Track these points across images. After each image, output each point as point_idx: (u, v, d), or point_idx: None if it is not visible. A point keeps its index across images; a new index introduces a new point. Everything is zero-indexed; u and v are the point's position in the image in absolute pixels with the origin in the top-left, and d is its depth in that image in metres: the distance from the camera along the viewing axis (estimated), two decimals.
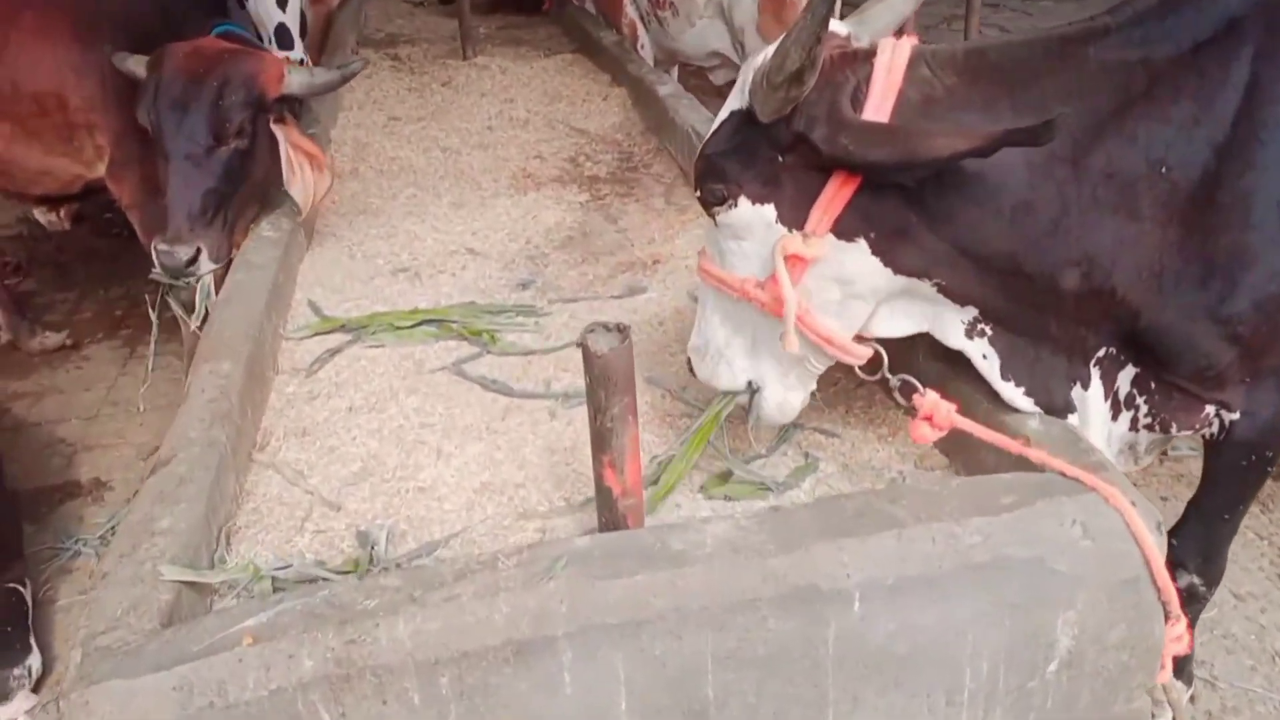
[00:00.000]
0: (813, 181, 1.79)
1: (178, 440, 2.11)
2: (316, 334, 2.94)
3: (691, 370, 2.21)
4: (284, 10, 4.24)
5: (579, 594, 1.54)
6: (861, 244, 1.82)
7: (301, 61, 4.25)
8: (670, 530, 1.67)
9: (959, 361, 2.04)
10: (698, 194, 1.96)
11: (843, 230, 1.81)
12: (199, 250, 3.00)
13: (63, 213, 4.26)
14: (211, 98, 3.03)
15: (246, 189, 3.19)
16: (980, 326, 1.93)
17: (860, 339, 1.98)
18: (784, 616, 1.56)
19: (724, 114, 1.91)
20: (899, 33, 1.94)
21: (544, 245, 3.62)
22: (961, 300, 1.90)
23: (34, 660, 2.57)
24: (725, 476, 2.22)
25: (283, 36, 4.25)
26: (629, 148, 4.58)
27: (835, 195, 1.77)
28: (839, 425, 2.39)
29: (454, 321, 2.96)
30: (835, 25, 1.92)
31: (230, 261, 3.09)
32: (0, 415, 3.92)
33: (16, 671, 2.52)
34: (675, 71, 5.81)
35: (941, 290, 1.87)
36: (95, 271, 5.06)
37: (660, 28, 5.46)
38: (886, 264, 1.83)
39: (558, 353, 2.80)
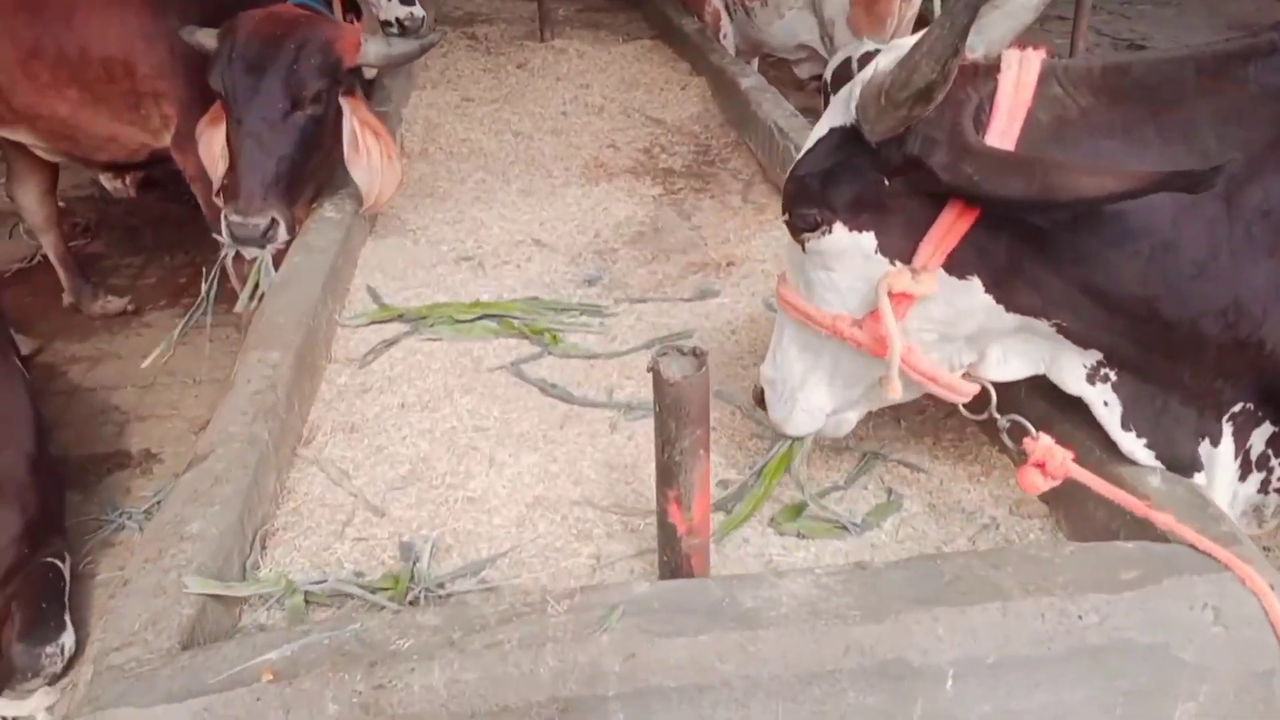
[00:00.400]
0: (923, 210, 1.59)
1: (217, 435, 1.99)
2: (373, 322, 2.81)
3: (762, 404, 2.02)
4: None
5: (636, 651, 1.37)
6: (975, 282, 1.62)
7: (422, 20, 4.10)
8: (741, 584, 1.49)
9: (1066, 400, 1.83)
10: (785, 218, 1.77)
11: (955, 266, 1.61)
12: (274, 220, 2.88)
13: (128, 180, 4.22)
14: (288, 62, 2.90)
15: (319, 160, 3.07)
16: (1104, 371, 1.72)
17: (967, 377, 1.79)
18: (866, 691, 1.38)
19: (821, 130, 1.71)
20: (1021, 44, 1.73)
21: (613, 240, 3.45)
22: (1084, 343, 1.69)
23: (68, 638, 2.50)
24: (798, 508, 2.03)
25: None
26: (706, 140, 4.39)
27: (950, 228, 1.57)
28: (926, 459, 2.19)
29: (515, 317, 2.81)
30: None
31: (289, 241, 2.98)
32: (56, 379, 3.88)
33: (49, 649, 2.45)
34: (756, 62, 5.60)
35: (1062, 331, 1.66)
36: (163, 237, 5.03)
37: (747, 18, 5.25)
38: (1001, 302, 1.63)
39: (622, 358, 2.63)
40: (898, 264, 1.64)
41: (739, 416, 2.36)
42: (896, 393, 1.66)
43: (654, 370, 1.56)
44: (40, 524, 2.55)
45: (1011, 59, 1.58)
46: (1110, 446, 1.82)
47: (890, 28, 4.75)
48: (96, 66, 3.37)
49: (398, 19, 4.16)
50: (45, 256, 4.37)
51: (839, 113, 1.67)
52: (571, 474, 2.15)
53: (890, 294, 1.61)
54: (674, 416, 1.54)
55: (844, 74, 4.14)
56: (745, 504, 1.95)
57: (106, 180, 4.56)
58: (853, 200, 1.64)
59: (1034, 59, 1.59)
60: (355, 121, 3.13)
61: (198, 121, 3.35)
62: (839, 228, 1.66)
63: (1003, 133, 1.52)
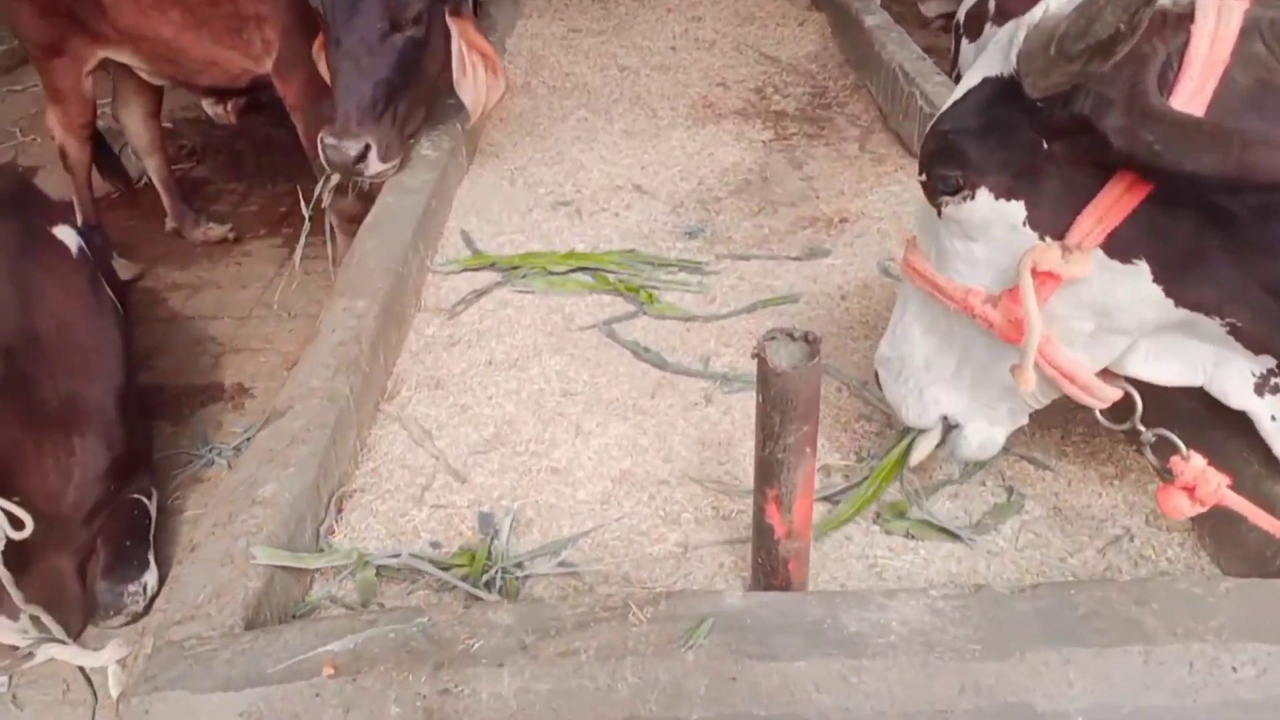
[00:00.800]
0: (1085, 180, 1.38)
1: (297, 389, 1.91)
2: (465, 269, 2.70)
3: (878, 383, 1.84)
4: None
5: (724, 673, 1.24)
6: (1141, 267, 1.40)
7: None
8: (845, 603, 1.34)
9: (1217, 404, 1.61)
10: (923, 177, 1.56)
11: (1117, 247, 1.39)
12: (368, 146, 2.77)
13: (229, 106, 4.18)
14: None
15: (419, 84, 2.95)
16: (1275, 381, 1.49)
17: (1107, 374, 1.57)
18: None
19: (971, 79, 1.50)
20: None
21: (718, 188, 3.27)
22: (1257, 347, 1.46)
23: (150, 577, 2.50)
24: (907, 504, 1.86)
25: None
26: (823, 81, 4.12)
27: (1116, 202, 1.36)
28: (1052, 456, 1.98)
29: (610, 271, 2.67)
30: None
31: (393, 169, 2.88)
32: (156, 305, 3.91)
33: (131, 588, 2.46)
34: None
35: (1234, 333, 1.43)
36: (266, 164, 5.02)
37: None
38: (1170, 295, 1.41)
39: (721, 321, 2.47)
40: (1047, 239, 1.43)
41: (845, 394, 2.19)
42: (1029, 384, 1.46)
43: (759, 357, 1.40)
44: (127, 460, 2.54)
45: (1209, 6, 1.34)
46: (1271, 463, 1.60)
47: None
48: None
49: None
50: (149, 179, 4.38)
51: (996, 60, 1.45)
52: (661, 449, 2.02)
53: (1034, 272, 1.40)
54: (779, 410, 1.38)
55: (980, 13, 3.81)
56: (850, 504, 1.79)
57: (209, 105, 4.54)
58: (1003, 163, 1.43)
59: (1236, 8, 1.34)
60: (462, 44, 3.00)
61: (299, 47, 3.26)
62: (984, 194, 1.46)
63: (1192, 95, 1.29)
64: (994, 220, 1.48)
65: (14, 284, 2.39)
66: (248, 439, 3.05)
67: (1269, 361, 1.48)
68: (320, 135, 2.80)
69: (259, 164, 4.99)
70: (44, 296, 2.46)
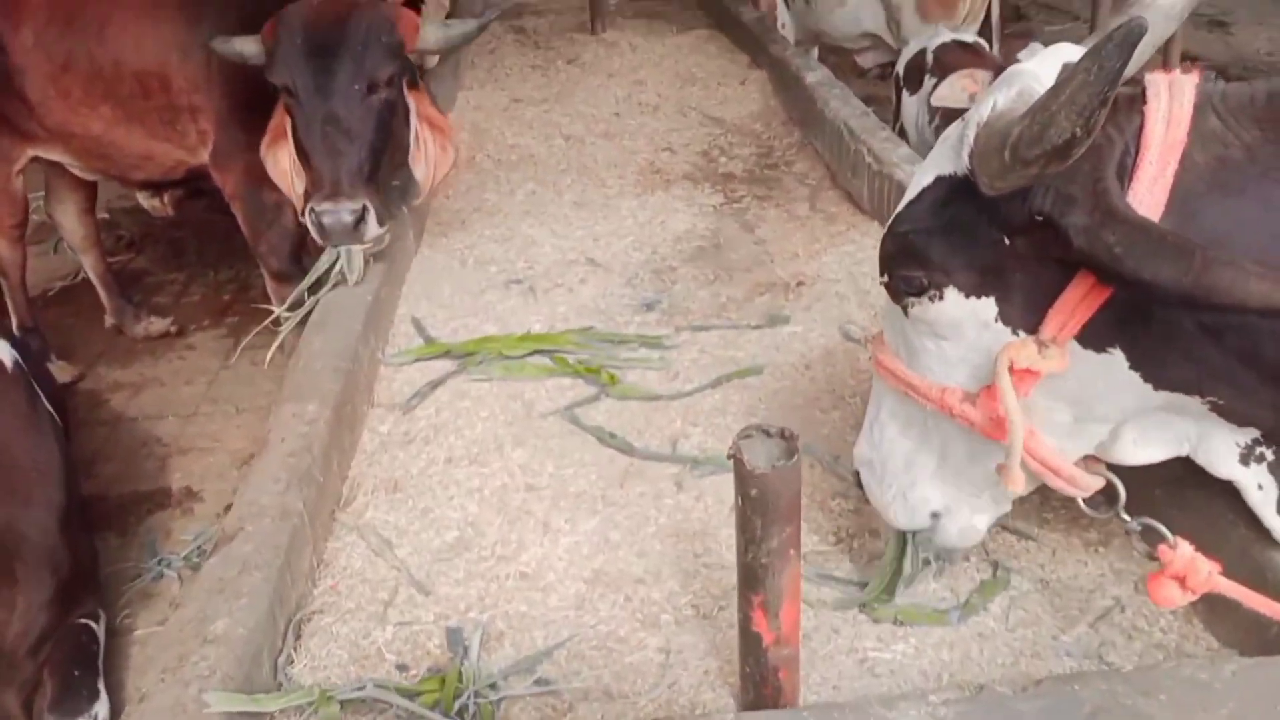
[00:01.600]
0: (1052, 274, 1.34)
1: (246, 508, 1.81)
2: (418, 359, 2.62)
3: (859, 483, 1.76)
4: None
5: None
6: (1116, 355, 1.36)
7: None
8: (845, 716, 1.26)
9: (1194, 469, 1.57)
10: (885, 279, 1.51)
11: (1091, 338, 1.35)
12: (365, 208, 2.63)
13: (166, 198, 4.08)
14: (357, 44, 2.69)
15: (395, 149, 2.85)
16: (1260, 451, 1.46)
17: (1091, 460, 1.53)
18: None
19: (924, 178, 1.46)
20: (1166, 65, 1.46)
21: (672, 257, 3.23)
22: (1240, 420, 1.42)
23: (101, 708, 2.34)
24: (892, 584, 1.80)
25: None
26: (769, 140, 4.13)
27: (1086, 295, 1.32)
28: (1034, 524, 1.94)
29: (569, 353, 2.61)
30: (1072, 50, 1.44)
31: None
32: (98, 408, 3.75)
33: None
34: (815, 52, 5.32)
35: (1216, 409, 1.40)
36: (207, 251, 4.89)
37: (806, 6, 4.97)
38: (1148, 380, 1.37)
39: (686, 399, 2.42)
40: (1021, 334, 1.39)
41: (819, 471, 2.13)
42: (1018, 486, 1.42)
43: (735, 458, 1.34)
44: (73, 583, 2.40)
45: (1159, 85, 1.32)
46: (1258, 528, 1.56)
47: (962, 13, 4.44)
48: (130, 81, 3.20)
49: None
50: (87, 275, 4.25)
51: (946, 159, 1.41)
52: (634, 543, 1.94)
53: (1011, 369, 1.36)
54: (760, 513, 1.32)
55: (919, 64, 3.86)
56: (838, 606, 1.72)
57: (144, 199, 4.42)
58: (968, 261, 1.39)
59: (1186, 85, 1.32)
60: (417, 117, 2.94)
61: (236, 136, 3.18)
62: (952, 292, 1.42)
63: (1153, 181, 1.26)
64: (964, 318, 1.43)
65: None
66: (198, 547, 2.92)
67: (1253, 432, 1.45)
68: (309, 207, 2.65)
69: (200, 252, 4.86)
70: None
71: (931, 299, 1.43)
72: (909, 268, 1.44)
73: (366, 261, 2.78)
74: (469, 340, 2.69)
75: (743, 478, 1.32)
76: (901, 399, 1.60)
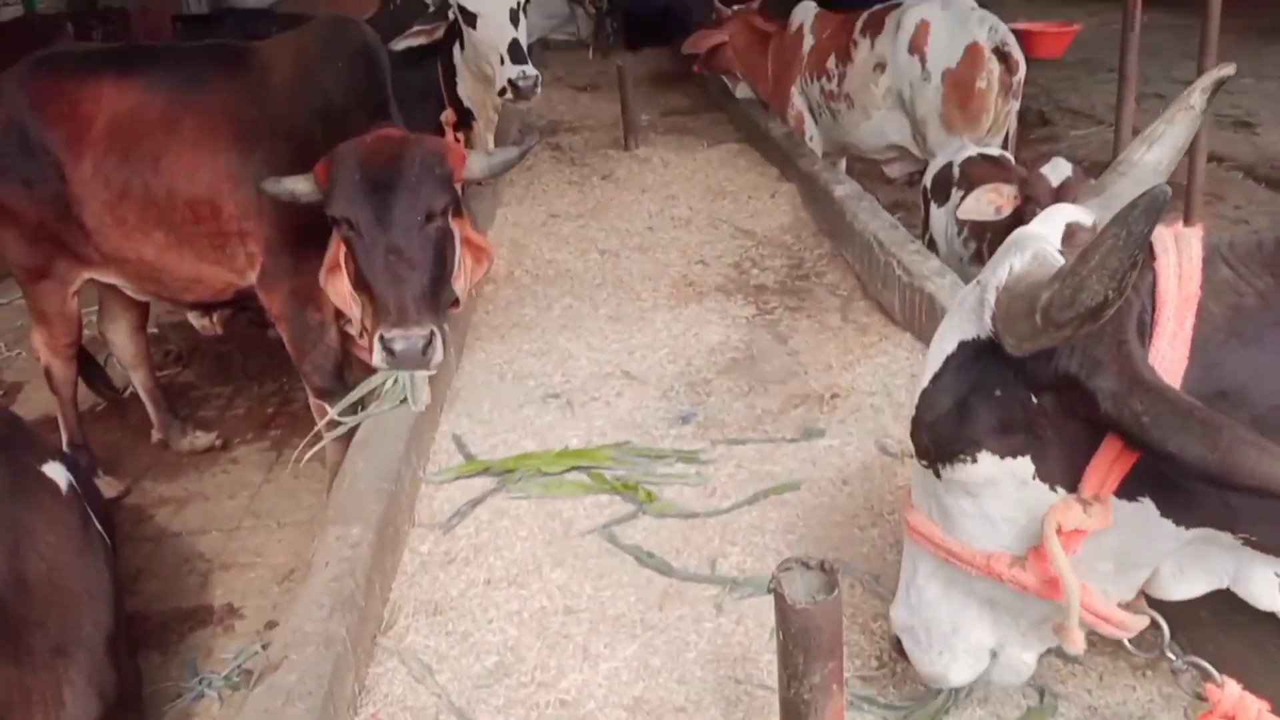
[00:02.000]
0: (1083, 430, 1.34)
1: (291, 635, 1.84)
2: (459, 477, 2.66)
3: (899, 649, 1.71)
4: (516, 27, 4.18)
5: None
6: (1146, 504, 1.35)
7: (535, 80, 4.15)
8: None
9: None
10: (924, 464, 1.51)
11: (1128, 490, 1.34)
12: (433, 333, 2.74)
13: (215, 318, 4.22)
14: (414, 178, 2.83)
15: (448, 275, 2.97)
16: None
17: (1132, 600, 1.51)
18: None
19: (946, 345, 1.45)
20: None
21: (706, 369, 3.27)
22: (1278, 552, 1.41)
23: None
24: (939, 713, 1.77)
25: (516, 52, 4.15)
26: (799, 252, 4.21)
27: (1121, 451, 1.31)
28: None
29: (607, 469, 2.64)
30: (1074, 211, 1.49)
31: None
32: (143, 523, 3.82)
33: None
34: (844, 163, 5.46)
35: (1250, 544, 1.39)
36: (252, 364, 5.02)
37: (833, 120, 5.11)
38: (1179, 523, 1.36)
39: (724, 516, 2.43)
40: (1060, 490, 1.37)
41: (859, 591, 2.12)
42: (1079, 646, 1.39)
43: (776, 591, 1.35)
44: (118, 707, 2.41)
45: (1166, 241, 1.34)
46: None
47: (986, 125, 4.55)
48: (183, 208, 3.36)
49: (510, 81, 4.12)
50: (136, 390, 4.37)
51: (967, 323, 1.41)
52: (674, 669, 1.93)
53: (1059, 531, 1.34)
54: (801, 648, 1.33)
55: (944, 179, 3.94)
56: None
57: (194, 318, 4.57)
58: (998, 423, 1.38)
59: (1192, 239, 1.33)
60: (460, 241, 3.05)
61: (283, 259, 3.31)
62: (985, 455, 1.41)
63: (1172, 336, 1.27)
64: (1001, 479, 1.42)
65: (3, 529, 2.32)
66: (238, 666, 2.94)
67: None
68: (378, 334, 2.74)
69: (245, 365, 4.99)
70: (33, 540, 2.37)
71: (966, 462, 1.42)
72: (941, 433, 1.43)
73: (429, 385, 2.85)
74: (508, 457, 2.73)
75: (783, 612, 1.33)
76: (940, 562, 1.56)
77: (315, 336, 3.35)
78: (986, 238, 3.63)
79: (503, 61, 4.14)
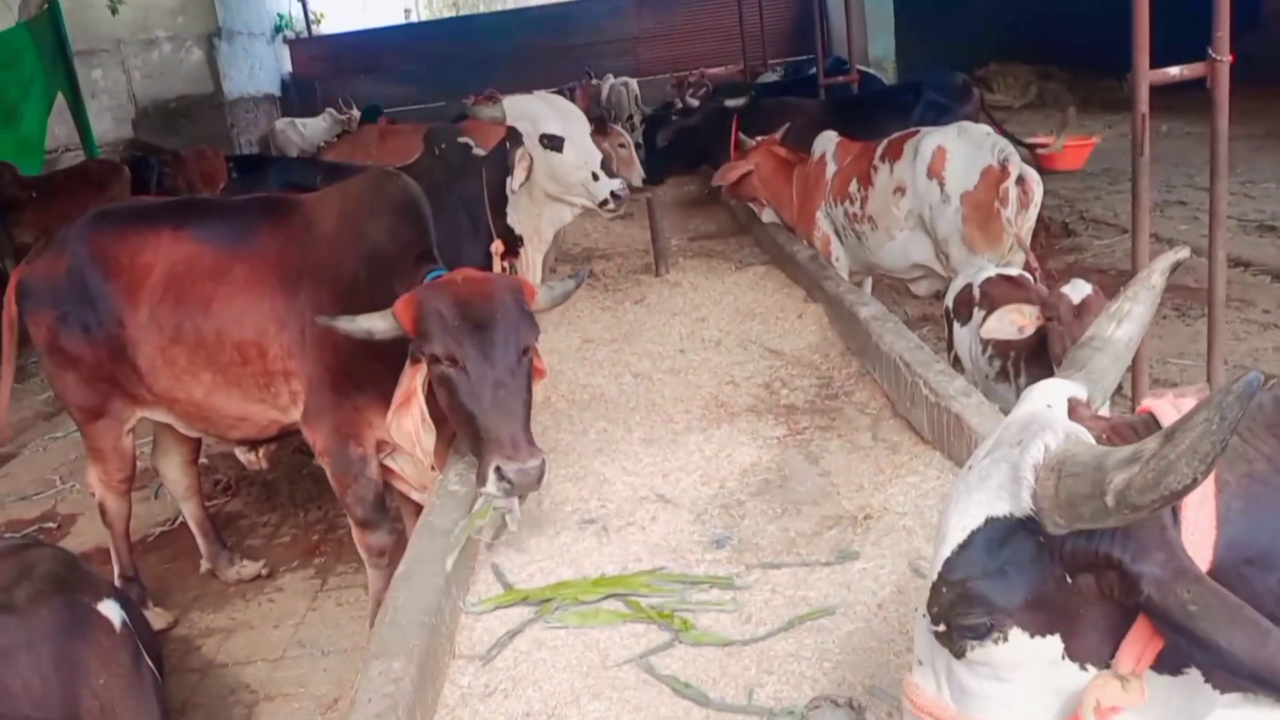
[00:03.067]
0: (1117, 609, 1.34)
1: None
2: (498, 607, 2.72)
3: None
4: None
5: None
6: (1193, 674, 1.34)
7: (624, 189, 4.61)
8: None
9: None
10: (940, 628, 1.44)
11: (1163, 663, 1.33)
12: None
13: (260, 453, 4.37)
14: (513, 313, 3.03)
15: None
16: None
17: None
18: None
19: (968, 520, 1.41)
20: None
21: (739, 491, 3.33)
22: None
23: None
24: None
25: (606, 167, 4.58)
26: (828, 371, 4.30)
27: (1156, 630, 1.31)
28: None
29: (642, 596, 2.68)
30: (1070, 386, 1.51)
31: None
32: (190, 654, 3.89)
33: None
34: (869, 284, 5.59)
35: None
36: (299, 492, 5.14)
37: (858, 241, 5.27)
38: (1217, 687, 1.34)
39: (760, 644, 2.45)
40: (1090, 668, 1.36)
41: (896, 718, 2.12)
42: None
43: None
44: None
45: (1167, 413, 1.36)
46: None
47: (1007, 244, 4.67)
48: (231, 350, 3.53)
49: (613, 193, 4.52)
50: (185, 519, 4.49)
51: (994, 499, 1.39)
52: None
53: (1097, 708, 1.32)
54: None
55: (965, 299, 4.03)
56: None
57: (241, 454, 4.73)
58: (1030, 601, 1.36)
59: (1190, 406, 1.33)
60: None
61: (326, 396, 3.45)
62: (1016, 633, 1.38)
63: (1199, 509, 1.28)
64: (1030, 658, 1.40)
65: (60, 667, 2.40)
66: None
67: None
68: (494, 465, 2.85)
69: (292, 493, 5.11)
70: (88, 677, 2.45)
71: (995, 642, 1.40)
72: (971, 615, 1.40)
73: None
74: (545, 586, 2.78)
75: None
76: None
77: (358, 470, 3.47)
78: (1010, 355, 3.70)
79: (596, 178, 4.50)
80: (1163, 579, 1.24)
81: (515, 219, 4.63)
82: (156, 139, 12.70)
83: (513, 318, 3.02)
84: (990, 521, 1.39)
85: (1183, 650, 1.31)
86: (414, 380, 3.07)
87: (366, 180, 3.82)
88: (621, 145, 8.41)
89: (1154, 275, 1.67)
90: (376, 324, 3.03)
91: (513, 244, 4.71)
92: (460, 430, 3.09)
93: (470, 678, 2.44)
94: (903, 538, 2.87)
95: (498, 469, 2.84)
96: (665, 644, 2.47)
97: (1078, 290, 3.38)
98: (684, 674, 2.34)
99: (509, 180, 4.44)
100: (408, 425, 3.07)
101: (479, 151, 4.58)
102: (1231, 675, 1.25)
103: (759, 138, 6.19)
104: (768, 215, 6.26)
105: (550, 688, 2.35)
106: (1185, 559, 1.24)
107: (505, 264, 4.61)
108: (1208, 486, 1.28)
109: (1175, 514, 1.29)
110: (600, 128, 8.35)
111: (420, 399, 3.07)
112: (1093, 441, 1.35)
